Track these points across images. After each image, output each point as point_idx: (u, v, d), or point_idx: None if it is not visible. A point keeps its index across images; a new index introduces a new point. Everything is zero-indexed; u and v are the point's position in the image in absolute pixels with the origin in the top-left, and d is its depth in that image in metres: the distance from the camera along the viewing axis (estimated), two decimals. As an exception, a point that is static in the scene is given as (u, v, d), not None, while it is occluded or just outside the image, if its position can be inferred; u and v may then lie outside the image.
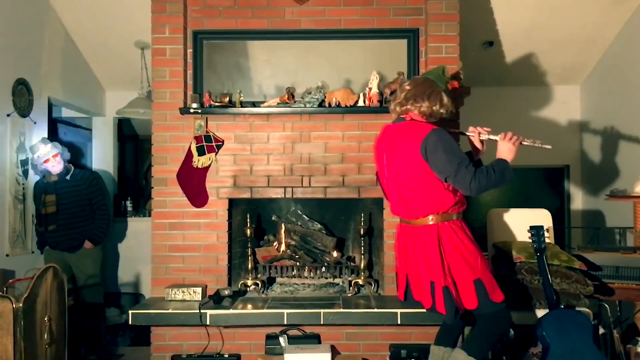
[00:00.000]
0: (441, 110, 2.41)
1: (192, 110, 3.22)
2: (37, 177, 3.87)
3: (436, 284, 2.32)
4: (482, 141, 2.52)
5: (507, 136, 2.43)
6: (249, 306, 3.01)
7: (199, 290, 3.13)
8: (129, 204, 5.02)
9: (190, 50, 3.36)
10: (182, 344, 3.17)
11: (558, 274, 2.77)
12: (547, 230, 2.89)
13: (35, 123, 3.90)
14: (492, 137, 2.49)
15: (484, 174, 2.26)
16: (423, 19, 3.33)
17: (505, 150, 2.40)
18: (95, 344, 3.80)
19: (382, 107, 3.22)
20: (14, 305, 2.41)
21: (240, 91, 3.27)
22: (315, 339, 3.07)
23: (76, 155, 3.94)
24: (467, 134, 2.54)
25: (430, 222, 2.34)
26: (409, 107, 2.41)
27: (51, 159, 3.66)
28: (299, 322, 2.98)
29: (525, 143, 2.49)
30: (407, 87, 2.45)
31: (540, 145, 2.52)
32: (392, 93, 3.25)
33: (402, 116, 2.45)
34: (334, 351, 3.09)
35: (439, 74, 2.50)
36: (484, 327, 2.39)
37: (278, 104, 3.25)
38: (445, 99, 2.41)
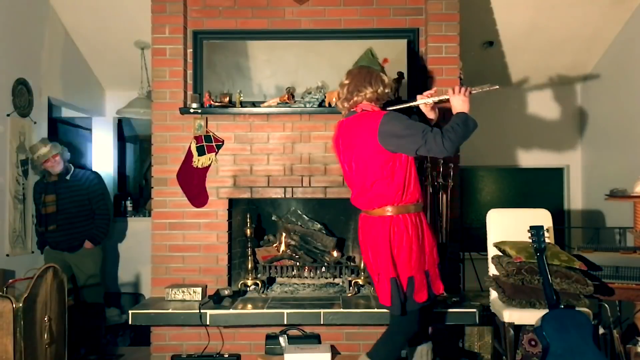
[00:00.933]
0: (386, 91, 2.46)
1: (192, 110, 3.22)
2: (37, 177, 3.87)
3: (382, 275, 2.35)
4: (433, 109, 2.57)
5: (455, 91, 2.46)
6: (249, 306, 3.02)
7: (199, 290, 3.13)
8: (129, 204, 5.02)
9: (190, 50, 3.36)
10: (182, 344, 3.17)
11: (558, 273, 2.76)
12: (547, 230, 2.89)
13: (35, 123, 3.90)
14: (441, 97, 2.53)
15: (450, 131, 2.30)
16: (423, 19, 3.33)
17: (459, 103, 2.44)
18: (95, 344, 3.80)
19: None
20: (14, 305, 2.41)
21: (240, 91, 3.27)
22: (315, 339, 3.07)
23: (76, 155, 3.94)
24: (417, 103, 2.57)
25: (386, 214, 2.36)
26: (355, 99, 2.44)
27: (51, 159, 3.66)
28: (299, 322, 2.98)
29: (474, 92, 2.50)
30: (346, 82, 2.49)
31: (488, 88, 2.53)
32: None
33: (352, 110, 2.47)
34: (334, 351, 3.09)
35: (369, 58, 2.54)
36: (394, 329, 2.42)
37: (278, 104, 3.25)
38: (386, 79, 2.47)
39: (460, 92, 2.44)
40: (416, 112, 2.67)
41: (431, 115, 2.57)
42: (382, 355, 2.40)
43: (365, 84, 2.42)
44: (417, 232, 2.37)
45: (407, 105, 2.60)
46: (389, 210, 2.35)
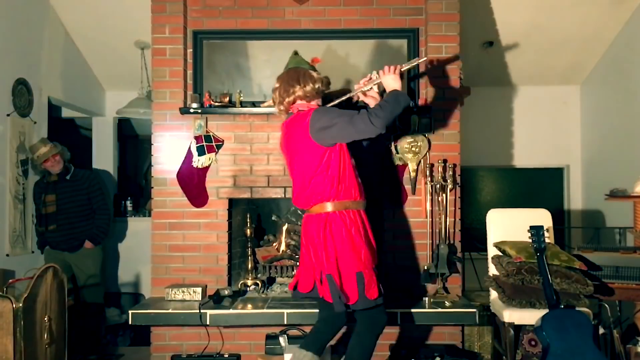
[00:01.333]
0: (317, 86, 2.48)
1: (192, 110, 3.22)
2: (37, 177, 3.87)
3: (323, 272, 2.35)
4: (374, 97, 2.58)
5: (385, 71, 2.48)
6: (249, 306, 3.01)
7: (199, 290, 3.13)
8: (129, 203, 5.03)
9: (190, 50, 3.36)
10: (182, 344, 3.17)
11: (558, 273, 2.77)
12: (547, 230, 2.89)
13: (35, 123, 3.91)
14: (374, 81, 2.56)
15: (378, 108, 2.32)
16: (423, 19, 3.33)
17: (391, 82, 2.46)
18: (95, 344, 3.80)
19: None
20: (14, 305, 2.41)
21: (240, 91, 3.27)
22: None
23: (76, 155, 3.93)
24: (353, 93, 2.60)
25: (323, 210, 2.37)
26: (287, 100, 2.47)
27: (51, 159, 3.66)
28: (299, 322, 2.98)
29: (404, 68, 2.53)
30: (276, 85, 2.53)
31: (416, 62, 2.61)
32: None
33: (290, 111, 2.50)
34: (334, 351, 3.09)
35: (296, 60, 2.59)
36: (361, 330, 2.40)
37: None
38: (315, 75, 2.50)
39: (390, 71, 2.47)
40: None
41: (372, 102, 2.57)
42: (356, 357, 2.37)
43: (293, 83, 2.46)
44: (358, 229, 2.37)
45: (346, 97, 2.62)
46: (325, 207, 2.36)
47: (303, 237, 2.47)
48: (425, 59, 2.55)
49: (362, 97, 2.61)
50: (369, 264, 2.35)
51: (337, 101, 2.56)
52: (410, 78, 3.32)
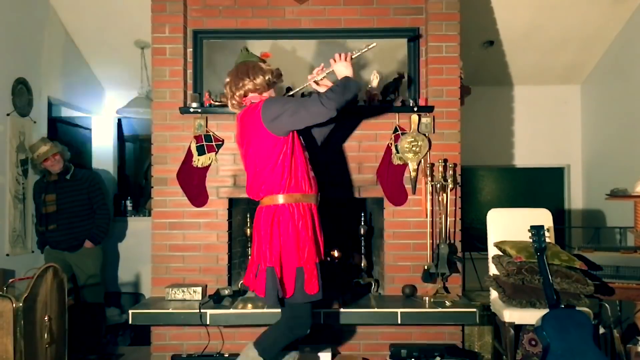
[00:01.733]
0: (267, 77, 2.51)
1: (192, 110, 3.22)
2: (37, 177, 3.87)
3: (261, 265, 2.36)
4: (326, 85, 2.58)
5: (337, 59, 2.52)
6: (249, 306, 3.01)
7: (199, 289, 3.13)
8: (129, 203, 5.03)
9: (190, 50, 3.35)
10: (183, 344, 3.17)
11: (558, 273, 2.76)
12: (548, 229, 2.90)
13: (35, 122, 3.90)
14: (326, 71, 2.59)
15: (328, 92, 2.34)
16: (423, 19, 3.32)
17: (342, 69, 2.49)
18: (96, 344, 3.80)
19: (382, 106, 3.22)
20: (14, 305, 2.41)
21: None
22: (315, 339, 3.07)
23: (76, 155, 3.94)
24: (307, 83, 2.63)
25: (272, 202, 2.39)
26: (238, 94, 2.51)
27: (51, 158, 3.66)
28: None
29: (355, 55, 2.57)
30: (227, 80, 2.55)
31: (366, 48, 2.57)
32: (392, 93, 3.25)
33: (243, 104, 2.52)
34: (334, 350, 3.09)
35: (244, 55, 2.60)
36: (283, 323, 2.43)
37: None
38: (264, 66, 2.53)
39: (341, 58, 2.50)
40: None
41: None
42: (264, 345, 2.40)
43: (242, 77, 2.49)
44: (306, 223, 2.38)
45: (301, 88, 2.68)
46: (275, 199, 2.38)
47: (254, 228, 2.50)
48: (374, 44, 2.54)
49: (315, 87, 2.62)
50: (311, 260, 2.37)
51: (291, 92, 2.61)
52: (410, 78, 3.32)
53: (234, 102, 2.55)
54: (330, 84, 2.57)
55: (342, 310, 2.93)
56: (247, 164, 2.51)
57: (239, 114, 2.54)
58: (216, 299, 3.05)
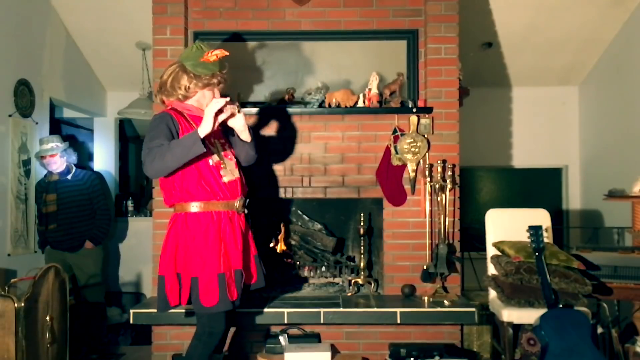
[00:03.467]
0: (184, 84, 2.36)
1: (192, 111, 3.23)
2: (39, 176, 3.88)
3: (157, 272, 2.38)
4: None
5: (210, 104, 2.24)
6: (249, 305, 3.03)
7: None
8: (130, 203, 5.04)
9: (191, 51, 3.36)
10: (183, 343, 3.18)
11: (557, 273, 2.78)
12: (546, 230, 2.91)
13: (37, 123, 3.92)
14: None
15: (157, 152, 2.16)
16: (422, 20, 3.34)
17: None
18: (97, 343, 3.82)
19: (381, 107, 3.24)
20: (15, 305, 2.42)
21: (239, 92, 3.28)
22: (315, 338, 3.09)
23: (77, 156, 3.95)
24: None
25: (173, 211, 2.39)
26: (162, 98, 2.46)
27: (47, 157, 3.68)
28: (299, 321, 3.00)
29: (219, 118, 2.26)
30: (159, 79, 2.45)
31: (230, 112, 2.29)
32: (391, 94, 3.27)
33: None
34: (334, 350, 3.11)
35: (188, 53, 2.42)
36: (196, 334, 2.40)
37: (278, 104, 3.27)
38: (185, 76, 2.36)
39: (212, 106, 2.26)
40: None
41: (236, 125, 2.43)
42: (188, 355, 2.37)
43: (167, 87, 2.43)
44: (203, 231, 2.30)
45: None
46: (174, 207, 2.39)
47: None
48: (236, 105, 2.34)
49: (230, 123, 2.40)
50: (210, 270, 2.28)
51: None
52: (409, 79, 3.33)
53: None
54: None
55: (342, 310, 2.95)
56: None
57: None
58: (217, 299, 3.06)
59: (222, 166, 2.37)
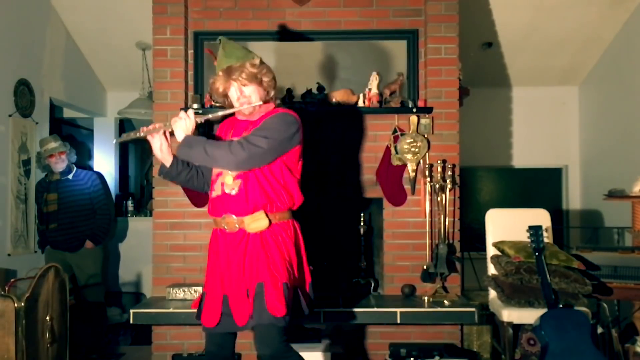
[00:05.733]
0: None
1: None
2: (39, 177, 3.88)
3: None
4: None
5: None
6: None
7: (200, 289, 3.14)
8: (130, 203, 5.05)
9: (191, 51, 3.37)
10: (183, 343, 3.19)
11: (557, 273, 2.78)
12: (546, 230, 2.91)
13: (37, 123, 3.93)
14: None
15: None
16: (422, 20, 3.34)
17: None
18: (97, 343, 3.82)
19: (381, 107, 3.24)
20: (15, 305, 2.42)
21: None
22: (315, 338, 3.09)
23: (77, 156, 3.96)
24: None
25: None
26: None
27: (56, 155, 3.69)
28: (299, 321, 3.00)
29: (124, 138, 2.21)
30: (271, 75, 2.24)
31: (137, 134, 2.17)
32: (391, 94, 3.27)
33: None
34: (334, 350, 3.11)
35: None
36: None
37: (278, 104, 3.26)
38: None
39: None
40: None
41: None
42: None
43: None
44: (211, 248, 2.22)
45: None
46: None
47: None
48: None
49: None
50: (208, 286, 2.21)
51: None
52: (409, 79, 3.33)
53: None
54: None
55: (342, 310, 2.95)
56: None
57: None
58: (217, 299, 3.06)
59: (219, 179, 2.17)
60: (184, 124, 2.15)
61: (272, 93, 2.25)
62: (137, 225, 4.87)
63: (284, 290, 2.03)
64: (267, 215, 2.10)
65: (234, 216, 2.12)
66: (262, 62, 2.19)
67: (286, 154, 2.15)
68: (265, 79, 2.19)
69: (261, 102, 2.19)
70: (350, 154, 3.31)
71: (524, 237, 2.85)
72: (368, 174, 3.29)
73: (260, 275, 2.06)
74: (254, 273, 2.08)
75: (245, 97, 2.17)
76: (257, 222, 2.10)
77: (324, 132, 3.32)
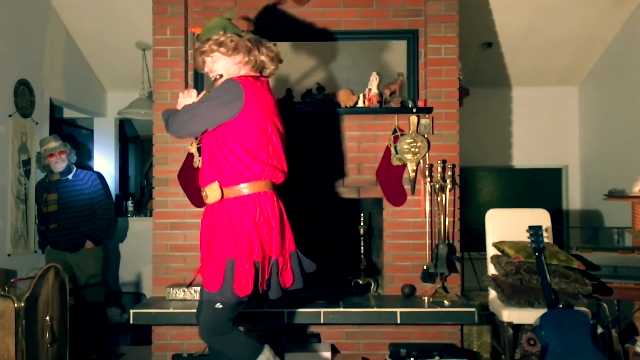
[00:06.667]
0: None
1: (193, 111, 3.23)
2: (39, 177, 3.88)
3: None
4: None
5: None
6: (249, 305, 3.03)
7: (200, 289, 3.14)
8: (130, 204, 5.05)
9: (191, 51, 3.37)
10: (183, 343, 3.19)
11: (557, 273, 2.78)
12: (546, 230, 2.91)
13: (37, 123, 3.93)
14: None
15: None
16: (422, 20, 3.34)
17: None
18: (97, 343, 3.82)
19: (381, 107, 3.25)
20: (15, 305, 2.42)
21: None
22: (315, 338, 3.09)
23: (78, 156, 3.96)
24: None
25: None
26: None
27: (56, 155, 3.69)
28: (299, 321, 3.00)
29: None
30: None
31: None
32: (391, 94, 3.27)
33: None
34: (334, 350, 3.11)
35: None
36: None
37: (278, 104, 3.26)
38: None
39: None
40: None
41: None
42: None
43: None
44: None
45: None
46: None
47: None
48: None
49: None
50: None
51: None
52: (409, 79, 3.33)
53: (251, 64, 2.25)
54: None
55: (342, 310, 2.95)
56: (281, 146, 2.28)
57: (255, 82, 2.20)
58: (217, 299, 3.06)
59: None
60: (184, 100, 2.31)
61: (239, 59, 2.24)
62: (137, 225, 4.87)
63: (227, 265, 2.07)
64: (220, 187, 2.16)
65: (204, 189, 2.22)
66: (229, 33, 2.22)
67: (232, 122, 2.14)
68: (222, 49, 2.22)
69: (220, 73, 2.24)
70: (350, 154, 3.31)
71: (524, 237, 2.85)
72: (368, 174, 3.29)
73: (209, 249, 2.19)
74: (206, 247, 2.22)
75: (210, 70, 2.28)
76: (213, 193, 2.18)
77: (324, 132, 3.32)
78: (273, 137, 2.22)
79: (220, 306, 2.11)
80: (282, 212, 2.26)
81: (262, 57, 2.26)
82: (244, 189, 2.16)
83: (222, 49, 2.21)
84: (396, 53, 3.36)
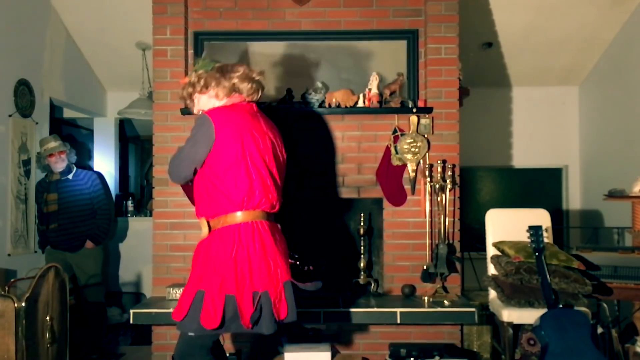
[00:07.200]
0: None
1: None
2: (39, 177, 3.89)
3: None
4: None
5: None
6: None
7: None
8: (130, 204, 5.05)
9: (191, 51, 3.37)
10: (183, 343, 3.18)
11: (557, 273, 2.78)
12: (546, 230, 2.91)
13: (37, 123, 3.93)
14: None
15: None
16: (422, 20, 3.34)
17: None
18: (97, 343, 3.82)
19: (381, 107, 3.25)
20: (15, 305, 2.42)
21: (241, 92, 3.28)
22: (315, 338, 3.09)
23: (78, 156, 3.96)
24: None
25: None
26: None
27: (56, 155, 3.69)
28: (298, 320, 2.99)
29: None
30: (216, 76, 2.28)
31: None
32: (391, 94, 3.27)
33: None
34: (334, 350, 3.11)
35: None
36: None
37: (278, 104, 3.27)
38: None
39: None
40: None
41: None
42: None
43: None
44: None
45: None
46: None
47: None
48: None
49: None
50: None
51: None
52: (409, 79, 3.33)
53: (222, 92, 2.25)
54: None
55: (342, 310, 2.95)
56: (273, 172, 2.21)
57: (228, 111, 2.18)
58: (217, 299, 3.06)
59: None
60: None
61: (214, 92, 2.25)
62: (137, 225, 4.87)
63: (196, 297, 2.05)
64: (207, 223, 2.20)
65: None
66: (200, 71, 2.27)
67: (210, 154, 2.13)
68: (196, 88, 2.27)
69: (201, 109, 2.28)
70: (350, 154, 3.31)
71: (524, 237, 2.85)
72: (368, 174, 3.29)
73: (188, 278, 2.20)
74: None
75: (198, 110, 2.31)
76: (203, 228, 2.24)
77: (324, 132, 3.32)
78: (257, 164, 2.15)
79: (193, 334, 2.09)
80: (276, 243, 2.20)
81: (233, 81, 2.26)
82: (226, 220, 2.16)
83: (196, 88, 2.27)
84: (396, 53, 3.36)
